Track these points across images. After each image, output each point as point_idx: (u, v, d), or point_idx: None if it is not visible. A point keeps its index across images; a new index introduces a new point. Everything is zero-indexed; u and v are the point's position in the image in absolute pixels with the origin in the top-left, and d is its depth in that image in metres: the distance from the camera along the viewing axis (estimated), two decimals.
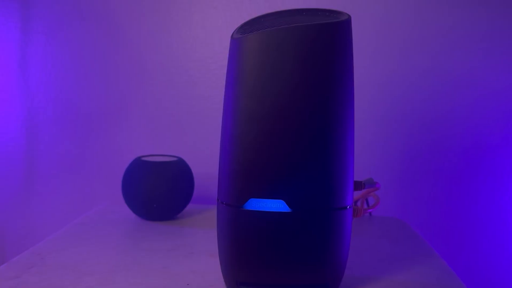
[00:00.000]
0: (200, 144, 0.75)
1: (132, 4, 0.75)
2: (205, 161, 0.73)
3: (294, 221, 0.36)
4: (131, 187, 0.57)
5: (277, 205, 0.36)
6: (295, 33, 0.34)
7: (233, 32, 0.37)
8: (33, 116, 0.79)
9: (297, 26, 0.34)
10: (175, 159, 0.60)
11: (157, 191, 0.56)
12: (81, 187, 0.79)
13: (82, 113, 0.78)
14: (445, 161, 0.72)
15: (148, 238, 0.52)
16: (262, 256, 0.36)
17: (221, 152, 0.38)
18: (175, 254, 0.47)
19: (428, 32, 0.70)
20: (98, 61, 0.77)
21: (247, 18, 0.40)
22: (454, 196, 0.72)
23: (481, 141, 0.71)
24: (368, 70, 0.71)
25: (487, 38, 0.69)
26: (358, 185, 0.41)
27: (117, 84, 0.77)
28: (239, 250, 0.37)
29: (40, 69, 0.78)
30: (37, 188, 0.80)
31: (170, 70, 0.76)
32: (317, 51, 0.34)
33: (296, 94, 0.35)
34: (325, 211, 0.36)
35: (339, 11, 0.37)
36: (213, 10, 0.74)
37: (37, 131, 0.79)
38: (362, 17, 0.71)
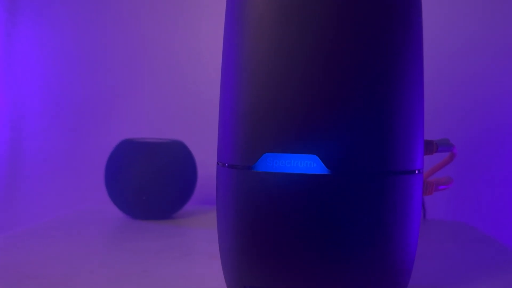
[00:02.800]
0: (207, 136, 0.63)
1: None
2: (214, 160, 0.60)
3: (333, 190, 0.22)
4: (114, 174, 0.44)
5: (307, 164, 0.23)
6: None
7: None
8: (18, 107, 0.69)
9: None
10: (172, 141, 0.48)
11: (146, 179, 0.43)
12: (73, 186, 0.68)
13: (74, 103, 0.68)
14: (508, 156, 0.58)
15: (130, 237, 0.40)
16: (281, 245, 0.23)
17: (222, 90, 0.26)
18: (164, 256, 0.34)
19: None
20: (93, 44, 0.67)
21: None
22: None
23: None
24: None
25: None
26: (429, 146, 0.27)
27: (115, 70, 0.67)
28: (247, 235, 0.23)
29: (27, 53, 0.68)
30: (23, 187, 0.69)
31: (173, 53, 0.65)
32: None
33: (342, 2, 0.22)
34: (383, 175, 0.23)
35: None
36: None
37: (24, 125, 0.69)
38: None
